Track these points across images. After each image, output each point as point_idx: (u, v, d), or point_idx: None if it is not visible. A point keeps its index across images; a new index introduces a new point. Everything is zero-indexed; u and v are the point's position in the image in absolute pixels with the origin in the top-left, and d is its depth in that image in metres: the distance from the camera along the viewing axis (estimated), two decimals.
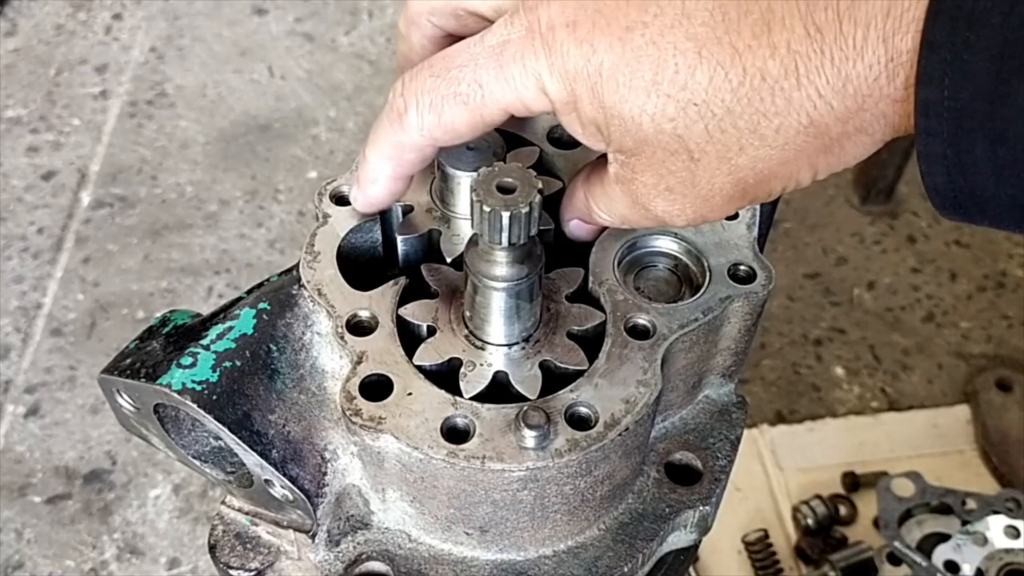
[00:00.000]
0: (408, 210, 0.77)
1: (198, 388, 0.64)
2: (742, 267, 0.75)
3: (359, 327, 0.70)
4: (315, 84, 2.87)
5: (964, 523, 1.79)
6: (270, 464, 0.66)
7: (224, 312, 0.69)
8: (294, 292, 0.72)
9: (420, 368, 0.68)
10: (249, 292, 0.72)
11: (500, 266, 0.65)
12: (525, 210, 0.60)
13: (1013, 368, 2.23)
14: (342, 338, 0.69)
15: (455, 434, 0.65)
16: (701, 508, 0.75)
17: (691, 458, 0.77)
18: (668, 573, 0.79)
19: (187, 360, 0.65)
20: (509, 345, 0.70)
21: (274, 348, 0.69)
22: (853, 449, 2.08)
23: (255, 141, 2.73)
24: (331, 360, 0.72)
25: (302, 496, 0.68)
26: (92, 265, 2.44)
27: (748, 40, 0.55)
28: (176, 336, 0.68)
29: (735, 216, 0.77)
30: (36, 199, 2.58)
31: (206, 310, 0.71)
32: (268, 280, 0.73)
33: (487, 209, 0.60)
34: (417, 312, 0.71)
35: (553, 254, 0.74)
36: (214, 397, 0.64)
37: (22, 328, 2.32)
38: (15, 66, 2.89)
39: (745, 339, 0.77)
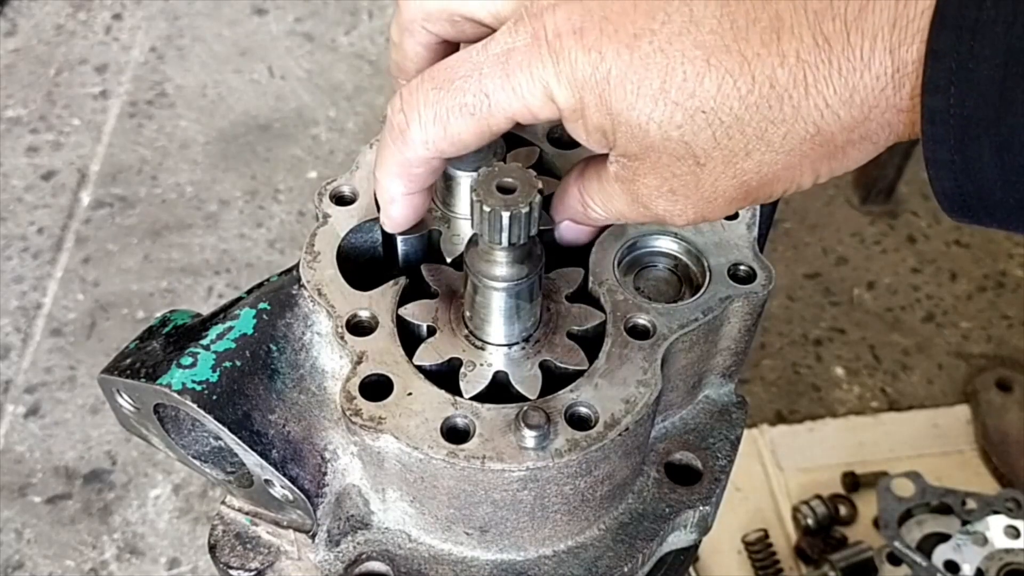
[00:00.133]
0: None
1: (198, 388, 0.64)
2: (742, 267, 0.75)
3: (359, 327, 0.70)
4: (315, 84, 2.87)
5: (964, 523, 1.79)
6: (270, 464, 0.66)
7: (224, 312, 0.69)
8: (294, 292, 0.72)
9: (420, 368, 0.68)
10: (249, 292, 0.72)
11: (500, 266, 0.65)
12: (525, 210, 0.60)
13: (1013, 368, 2.23)
14: (342, 338, 0.69)
15: (455, 434, 0.65)
16: (701, 508, 0.75)
17: (691, 458, 0.77)
18: (668, 573, 0.79)
19: (187, 360, 0.65)
20: (509, 345, 0.70)
21: (274, 348, 0.69)
22: (853, 449, 2.08)
23: (255, 141, 2.73)
24: (331, 360, 0.72)
25: (302, 496, 0.68)
26: (92, 265, 2.44)
27: (757, 48, 0.55)
28: (176, 336, 0.68)
29: (735, 216, 0.77)
30: (36, 199, 2.58)
31: (206, 310, 0.71)
32: (268, 280, 0.73)
33: (487, 209, 0.60)
34: (417, 312, 0.71)
35: (553, 254, 0.74)
36: (214, 397, 0.64)
37: (22, 328, 2.32)
38: (15, 66, 2.89)
39: (745, 339, 0.77)
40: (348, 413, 0.65)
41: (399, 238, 0.76)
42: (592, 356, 0.69)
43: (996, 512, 1.80)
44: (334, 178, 0.79)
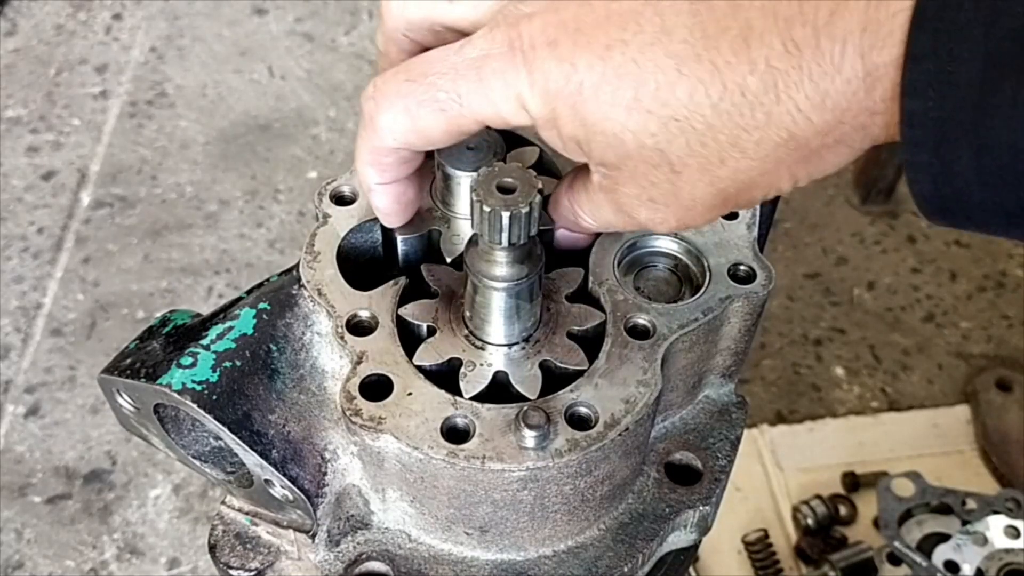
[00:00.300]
0: None
1: (198, 388, 0.64)
2: (742, 267, 0.75)
3: (359, 327, 0.70)
4: (315, 84, 2.87)
5: (964, 523, 1.79)
6: (270, 464, 0.66)
7: (224, 312, 0.69)
8: (294, 292, 0.72)
9: (420, 368, 0.68)
10: (249, 292, 0.72)
11: (500, 266, 0.65)
12: (525, 210, 0.61)
13: (1013, 368, 2.23)
14: (342, 338, 0.69)
15: (455, 434, 0.65)
16: (701, 508, 0.75)
17: (691, 458, 0.77)
18: (668, 573, 0.79)
19: (187, 360, 0.65)
20: (509, 345, 0.70)
21: (274, 348, 0.69)
22: (853, 449, 2.08)
23: (255, 141, 2.73)
24: (331, 360, 0.72)
25: (302, 496, 0.68)
26: (92, 265, 2.44)
27: (727, 56, 0.55)
28: (176, 336, 0.68)
29: (735, 216, 0.77)
30: (36, 199, 2.58)
31: (206, 310, 0.71)
32: (268, 280, 0.73)
33: (487, 209, 0.60)
34: (417, 312, 0.71)
35: (553, 254, 0.74)
36: (214, 397, 0.64)
37: (22, 328, 2.32)
38: (15, 66, 2.89)
39: (745, 339, 0.77)
40: (348, 413, 0.65)
41: (399, 238, 0.76)
42: (592, 356, 0.69)
43: (996, 512, 1.80)
44: (334, 178, 0.79)
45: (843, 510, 1.94)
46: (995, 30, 0.49)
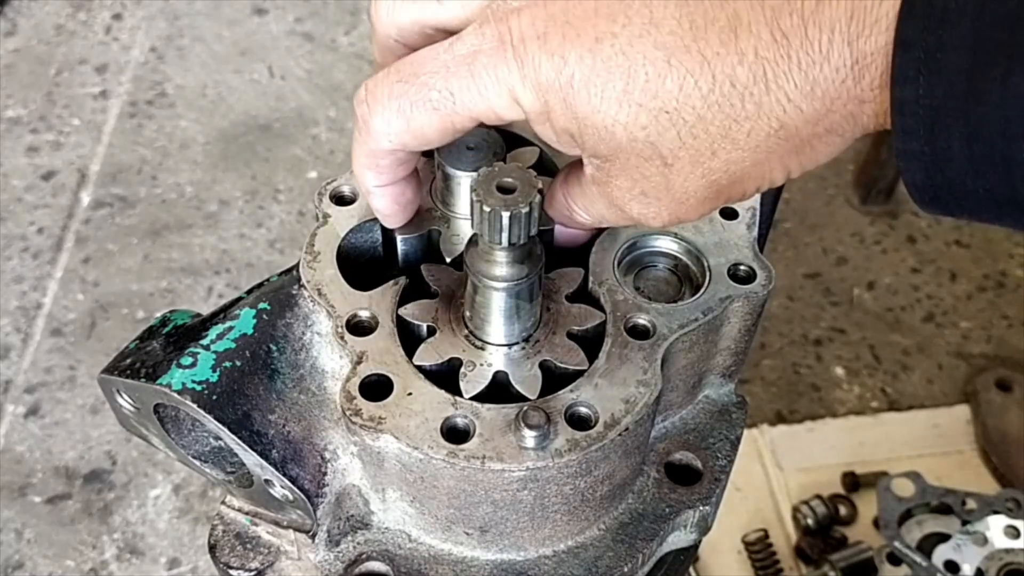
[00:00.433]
0: None
1: (198, 388, 0.64)
2: (742, 267, 0.75)
3: (359, 327, 0.70)
4: (315, 84, 2.87)
5: (964, 523, 1.79)
6: (270, 464, 0.66)
7: (224, 312, 0.69)
8: (294, 292, 0.72)
9: (420, 368, 0.68)
10: (249, 292, 0.72)
11: (500, 266, 0.65)
12: (525, 210, 0.61)
13: (1013, 368, 2.23)
14: (342, 338, 0.69)
15: (455, 434, 0.65)
16: (701, 508, 0.75)
17: (691, 458, 0.77)
18: (668, 573, 0.79)
19: (187, 360, 0.65)
20: (509, 345, 0.70)
21: (274, 348, 0.69)
22: (853, 449, 2.08)
23: (255, 141, 2.73)
24: (331, 360, 0.72)
25: (302, 496, 0.68)
26: (92, 265, 2.44)
27: (716, 47, 0.55)
28: (176, 336, 0.68)
29: (735, 216, 0.77)
30: (36, 199, 2.58)
31: (206, 310, 0.71)
32: (268, 280, 0.73)
33: (487, 209, 0.60)
34: (417, 312, 0.71)
35: (553, 254, 0.74)
36: (214, 397, 0.64)
37: (22, 328, 2.32)
38: (15, 66, 2.89)
39: (745, 339, 0.77)
40: (348, 413, 0.65)
41: (399, 238, 0.76)
42: (592, 356, 0.69)
43: (996, 512, 1.80)
44: (334, 178, 0.79)
45: (843, 510, 1.94)
46: (983, 17, 0.49)
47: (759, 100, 0.56)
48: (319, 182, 1.82)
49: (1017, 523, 1.78)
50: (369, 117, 0.64)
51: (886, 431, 2.12)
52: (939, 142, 0.53)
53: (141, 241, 2.50)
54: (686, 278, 0.76)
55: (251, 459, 0.66)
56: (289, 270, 0.74)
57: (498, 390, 0.69)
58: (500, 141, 0.77)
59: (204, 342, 0.67)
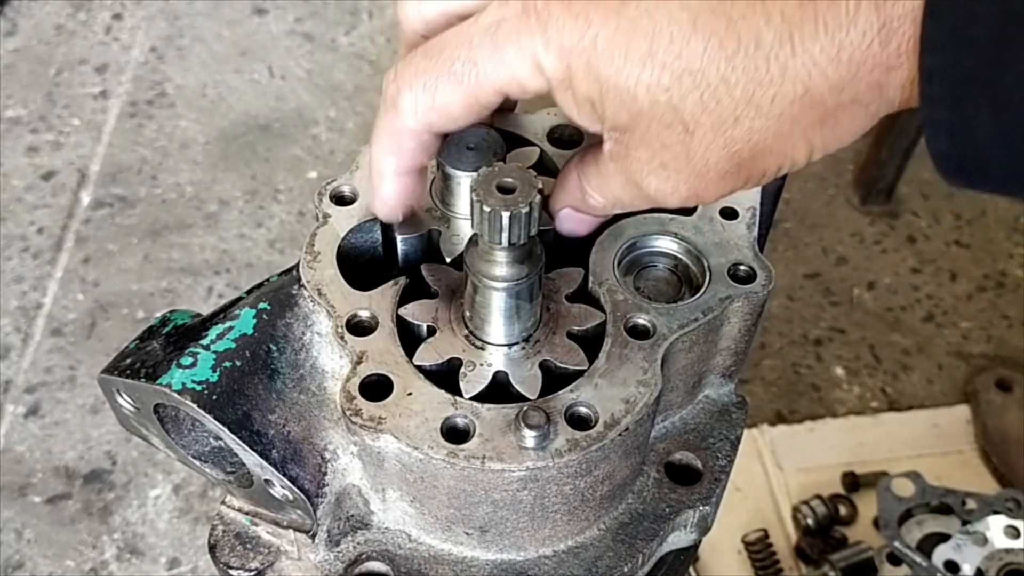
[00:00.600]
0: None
1: (198, 388, 0.64)
2: (742, 267, 0.75)
3: (359, 327, 0.70)
4: (315, 84, 2.87)
5: (964, 523, 1.79)
6: (270, 464, 0.66)
7: (224, 312, 0.69)
8: (294, 292, 0.72)
9: (420, 368, 0.68)
10: (249, 292, 0.72)
11: (500, 266, 0.65)
12: (525, 210, 0.61)
13: (1013, 368, 2.23)
14: (342, 338, 0.69)
15: (455, 434, 0.65)
16: (701, 508, 0.75)
17: (691, 458, 0.77)
18: (668, 573, 0.79)
19: (187, 360, 0.65)
20: (509, 345, 0.70)
21: (274, 348, 0.69)
22: (853, 449, 2.08)
23: (255, 141, 2.73)
24: (331, 360, 0.72)
25: (302, 496, 0.68)
26: (92, 265, 2.44)
27: (742, 9, 0.55)
28: (176, 336, 0.68)
29: (735, 216, 0.77)
30: (36, 199, 2.58)
31: (206, 310, 0.71)
32: (268, 280, 0.73)
33: (487, 209, 0.60)
34: (417, 312, 0.71)
35: (553, 254, 0.74)
36: (214, 397, 0.64)
37: (22, 328, 2.32)
38: (15, 66, 2.89)
39: (745, 339, 0.77)
40: (348, 413, 0.65)
41: (399, 238, 0.76)
42: (592, 356, 0.69)
43: (996, 512, 1.80)
44: (334, 178, 0.79)
45: (843, 510, 1.94)
46: None
47: (784, 63, 0.55)
48: (319, 182, 1.82)
49: (1017, 523, 1.77)
50: (397, 95, 0.65)
51: (886, 431, 2.12)
52: (966, 111, 0.53)
53: (141, 241, 2.49)
54: (686, 278, 0.76)
55: (251, 459, 0.66)
56: (289, 270, 0.74)
57: (498, 390, 0.69)
58: (500, 141, 0.77)
59: (204, 342, 0.67)
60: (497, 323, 0.68)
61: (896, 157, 2.47)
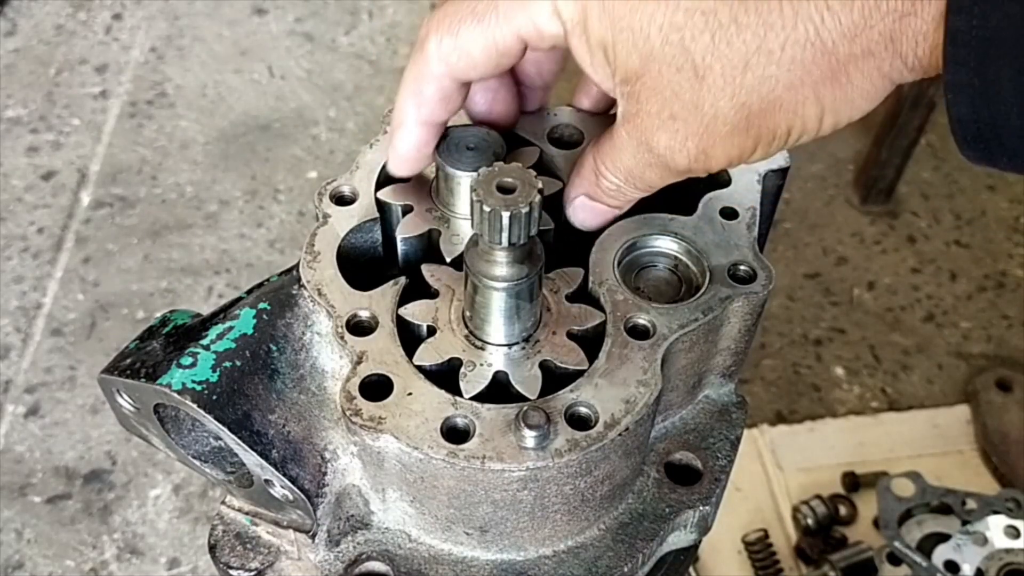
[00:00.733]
0: (408, 210, 0.77)
1: (198, 388, 0.64)
2: (742, 267, 0.74)
3: (359, 327, 0.70)
4: (315, 84, 2.87)
5: (964, 523, 1.79)
6: (270, 464, 0.66)
7: (224, 312, 0.69)
8: (294, 292, 0.72)
9: (420, 368, 0.68)
10: (249, 292, 0.72)
11: (500, 266, 0.65)
12: (525, 210, 0.60)
13: (1013, 368, 2.23)
14: (342, 338, 0.69)
15: (455, 434, 0.65)
16: (701, 508, 0.75)
17: (691, 458, 0.77)
18: (668, 573, 0.79)
19: (187, 360, 0.65)
20: (509, 345, 0.70)
21: (274, 348, 0.69)
22: (853, 449, 2.08)
23: (255, 141, 2.73)
24: (331, 360, 0.72)
25: (302, 496, 0.68)
26: (92, 265, 2.44)
27: None
28: (176, 336, 0.68)
29: (735, 216, 0.77)
30: (36, 199, 2.58)
31: (206, 310, 0.71)
32: (268, 280, 0.73)
33: (487, 209, 0.60)
34: (417, 312, 0.71)
35: (553, 254, 0.74)
36: (214, 397, 0.64)
37: (22, 328, 2.32)
38: (15, 66, 2.89)
39: (745, 339, 0.77)
40: (348, 413, 0.65)
41: (399, 238, 0.76)
42: (592, 356, 0.69)
43: (996, 512, 1.80)
44: (334, 178, 0.79)
45: (843, 510, 1.94)
46: None
47: (797, 6, 0.56)
48: (319, 182, 1.82)
49: (1017, 523, 1.78)
50: (425, 37, 0.67)
51: (886, 431, 2.12)
52: (989, 73, 0.53)
53: (141, 241, 2.50)
54: (686, 278, 0.76)
55: (251, 459, 0.66)
56: (289, 270, 0.74)
57: (498, 390, 0.68)
58: (500, 141, 0.77)
59: (204, 342, 0.67)
60: (497, 323, 0.68)
61: (896, 157, 2.47)
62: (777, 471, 2.03)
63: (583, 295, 0.74)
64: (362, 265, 0.77)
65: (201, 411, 0.63)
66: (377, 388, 0.67)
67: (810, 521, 1.90)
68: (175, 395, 0.63)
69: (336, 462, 0.70)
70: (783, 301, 2.38)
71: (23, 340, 2.29)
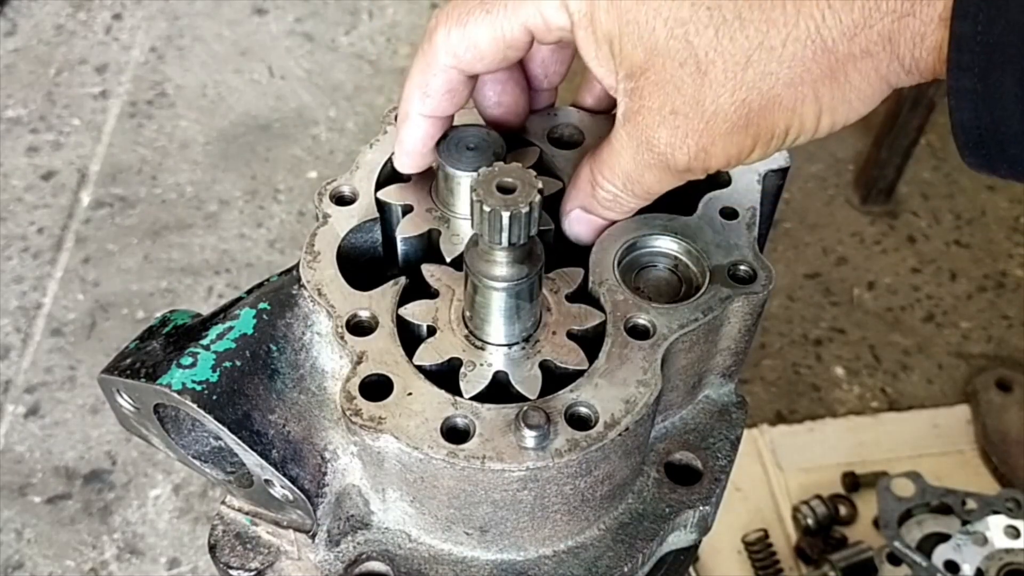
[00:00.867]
0: (408, 210, 0.77)
1: (198, 388, 0.64)
2: (742, 267, 0.74)
3: (359, 327, 0.70)
4: (315, 84, 2.87)
5: (964, 523, 1.79)
6: (270, 464, 0.66)
7: (224, 312, 0.69)
8: (294, 292, 0.72)
9: (420, 368, 0.68)
10: (249, 292, 0.72)
11: (500, 266, 0.65)
12: (525, 210, 0.60)
13: (1013, 368, 2.23)
14: (342, 338, 0.69)
15: (455, 434, 0.65)
16: (701, 508, 0.75)
17: (691, 458, 0.77)
18: (668, 573, 0.79)
19: (187, 360, 0.65)
20: (509, 345, 0.70)
21: (274, 348, 0.69)
22: (853, 449, 2.08)
23: (255, 141, 2.73)
24: (331, 360, 0.72)
25: (302, 496, 0.68)
26: (92, 265, 2.44)
27: None
28: (176, 336, 0.68)
29: (735, 216, 0.77)
30: (36, 199, 2.58)
31: (206, 310, 0.71)
32: (268, 280, 0.73)
33: (487, 209, 0.60)
34: (417, 312, 0.71)
35: (553, 254, 0.74)
36: (214, 397, 0.64)
37: (22, 328, 2.32)
38: (15, 66, 2.89)
39: (745, 339, 0.77)
40: (348, 413, 0.65)
41: (399, 238, 0.76)
42: (592, 356, 0.69)
43: (996, 512, 1.80)
44: (334, 178, 0.79)
45: (843, 510, 1.94)
46: None
47: (799, 3, 0.57)
48: (319, 182, 1.82)
49: (1017, 523, 1.77)
50: (434, 28, 0.68)
51: (886, 431, 2.12)
52: (993, 79, 0.53)
53: (141, 241, 2.49)
54: (686, 278, 0.76)
55: (251, 459, 0.66)
56: (289, 270, 0.74)
57: (498, 390, 0.68)
58: (500, 141, 0.77)
59: (204, 342, 0.67)
60: (497, 323, 0.68)
61: (896, 157, 2.47)
62: (777, 471, 2.03)
63: (583, 295, 0.74)
64: (362, 265, 0.77)
65: (201, 411, 0.63)
66: (377, 388, 0.67)
67: (810, 521, 1.90)
68: (175, 395, 0.63)
69: (336, 462, 0.70)
70: (783, 301, 2.38)
71: (23, 340, 2.29)
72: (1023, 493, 1.84)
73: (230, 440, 0.66)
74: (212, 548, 0.75)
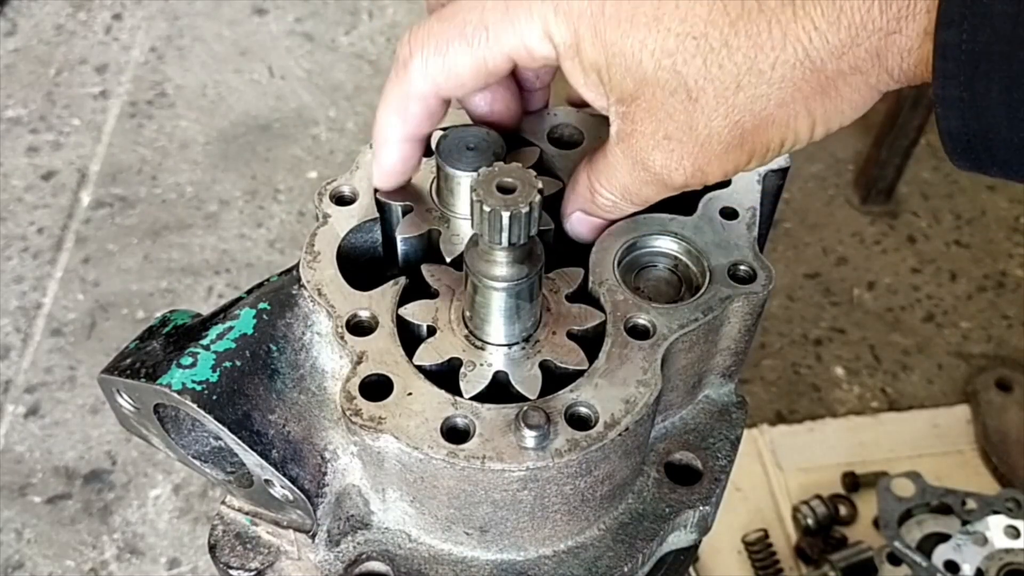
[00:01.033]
0: (408, 210, 0.77)
1: (198, 388, 0.64)
2: (742, 267, 0.75)
3: (359, 327, 0.70)
4: (315, 84, 2.87)
5: (964, 523, 1.79)
6: (270, 464, 0.66)
7: (224, 312, 0.69)
8: (294, 292, 0.72)
9: (420, 368, 0.68)
10: (249, 292, 0.72)
11: (500, 266, 0.65)
12: (525, 210, 0.60)
13: (1013, 368, 2.23)
14: (342, 338, 0.69)
15: (455, 434, 0.65)
16: (701, 508, 0.75)
17: (691, 458, 0.77)
18: (668, 573, 0.79)
19: (187, 360, 0.65)
20: (509, 345, 0.70)
21: (274, 348, 0.69)
22: (853, 449, 2.08)
23: (255, 141, 2.73)
24: (331, 360, 0.72)
25: (302, 496, 0.68)
26: (92, 265, 2.44)
27: None
28: (176, 336, 0.68)
29: (735, 216, 0.77)
30: (36, 199, 2.58)
31: (206, 310, 0.71)
32: (268, 280, 0.73)
33: (487, 209, 0.60)
34: (417, 312, 0.71)
35: (553, 254, 0.74)
36: (214, 397, 0.64)
37: (22, 328, 2.32)
38: (15, 66, 2.89)
39: (745, 339, 0.77)
40: (348, 413, 0.65)
41: (399, 238, 0.76)
42: (592, 356, 0.69)
43: (996, 512, 1.80)
44: (334, 178, 0.79)
45: (843, 510, 1.94)
46: None
47: (786, 28, 0.56)
48: (319, 182, 1.82)
49: (1017, 523, 1.78)
50: (408, 57, 0.66)
51: (886, 431, 2.12)
52: (978, 87, 0.53)
53: (141, 241, 2.50)
54: (686, 278, 0.76)
55: (251, 459, 0.66)
56: (289, 270, 0.74)
57: (498, 390, 0.68)
58: (500, 141, 0.77)
59: (204, 342, 0.67)
60: (497, 323, 0.68)
61: (896, 157, 2.47)
62: (777, 471, 2.03)
63: (583, 295, 0.74)
64: (362, 265, 0.77)
65: (201, 411, 0.63)
66: (377, 388, 0.67)
67: (810, 521, 1.90)
68: (175, 395, 0.63)
69: (336, 462, 0.70)
70: (783, 301, 2.38)
71: (23, 340, 2.29)
72: (1023, 493, 1.84)
73: (230, 440, 0.66)
74: (212, 548, 0.75)
